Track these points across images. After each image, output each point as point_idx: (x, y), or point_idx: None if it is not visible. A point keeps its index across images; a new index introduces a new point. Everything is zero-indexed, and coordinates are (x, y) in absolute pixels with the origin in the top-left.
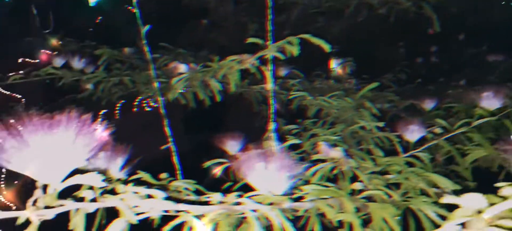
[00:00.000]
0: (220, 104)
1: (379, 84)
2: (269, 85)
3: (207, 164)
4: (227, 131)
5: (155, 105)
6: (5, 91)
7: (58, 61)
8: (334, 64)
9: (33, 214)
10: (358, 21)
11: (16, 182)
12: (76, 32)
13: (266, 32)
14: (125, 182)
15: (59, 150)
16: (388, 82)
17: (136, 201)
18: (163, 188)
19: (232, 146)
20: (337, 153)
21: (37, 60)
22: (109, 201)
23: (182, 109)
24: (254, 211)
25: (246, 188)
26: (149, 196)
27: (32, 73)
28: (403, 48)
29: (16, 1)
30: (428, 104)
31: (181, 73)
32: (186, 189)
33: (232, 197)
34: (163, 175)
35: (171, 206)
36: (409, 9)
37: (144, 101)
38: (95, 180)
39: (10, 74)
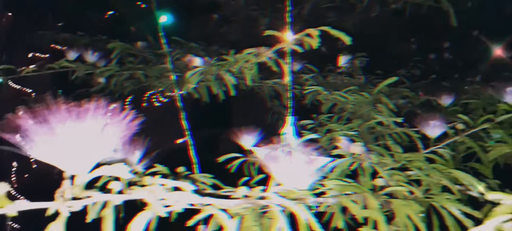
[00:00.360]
0: (231, 99)
1: (397, 79)
2: (287, 78)
3: (222, 158)
4: (238, 125)
5: (165, 100)
6: (15, 85)
7: (72, 55)
8: (346, 59)
9: (62, 205)
10: (370, 16)
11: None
12: (87, 26)
13: (284, 25)
14: (144, 175)
15: (85, 140)
16: (402, 77)
17: (163, 194)
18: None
19: (246, 140)
20: (357, 148)
21: (48, 55)
22: (136, 193)
23: (191, 104)
24: (280, 206)
25: (263, 183)
26: (176, 189)
27: (45, 66)
28: (416, 43)
29: None
30: (445, 100)
31: (196, 67)
32: (203, 183)
33: (256, 191)
34: (181, 169)
35: (198, 200)
36: (424, 3)
37: (156, 96)
38: (122, 171)
39: (21, 68)
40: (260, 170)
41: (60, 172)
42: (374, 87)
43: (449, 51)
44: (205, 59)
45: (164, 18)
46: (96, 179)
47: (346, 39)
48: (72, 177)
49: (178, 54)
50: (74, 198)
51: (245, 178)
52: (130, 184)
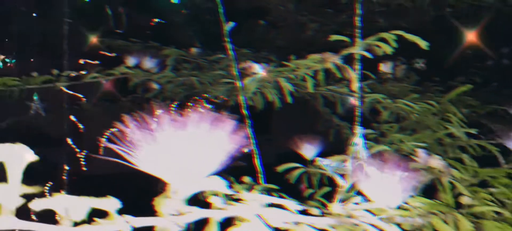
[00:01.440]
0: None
1: (471, 87)
2: (355, 86)
3: (283, 167)
4: (289, 132)
5: (209, 106)
6: (68, 91)
7: (130, 61)
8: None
9: (170, 221)
10: (425, 19)
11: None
12: (135, 32)
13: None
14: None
15: (190, 151)
16: (460, 85)
17: (261, 210)
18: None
19: (305, 149)
20: (436, 161)
21: (98, 61)
22: (236, 209)
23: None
24: (373, 226)
25: (328, 197)
26: (273, 205)
27: (105, 72)
28: (474, 48)
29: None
30: None
31: (254, 73)
32: (270, 194)
33: (348, 208)
34: (246, 179)
35: (291, 217)
36: (489, 5)
37: (210, 102)
38: (220, 185)
39: (82, 74)
40: (322, 182)
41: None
42: (433, 95)
43: (508, 57)
44: (262, 65)
45: (229, 25)
46: None
47: (423, 44)
48: (174, 191)
49: (230, 60)
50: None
51: (310, 191)
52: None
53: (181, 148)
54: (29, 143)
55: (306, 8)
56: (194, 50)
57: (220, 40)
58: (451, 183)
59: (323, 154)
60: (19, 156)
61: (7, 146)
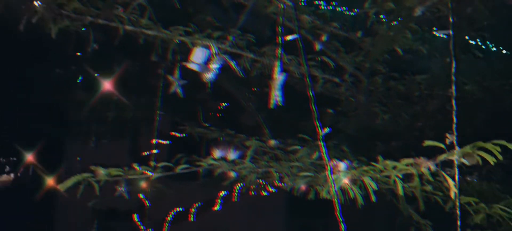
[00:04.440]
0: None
1: None
2: (454, 193)
3: None
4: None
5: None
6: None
7: (217, 153)
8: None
9: None
10: (503, 109)
11: None
12: (209, 117)
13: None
14: None
15: None
16: None
17: None
18: None
19: None
20: None
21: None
22: None
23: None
24: None
25: None
26: None
27: (194, 162)
28: None
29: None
30: None
31: (340, 171)
32: None
33: None
34: None
35: None
36: None
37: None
38: None
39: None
40: None
41: None
42: None
43: None
44: (347, 163)
45: (325, 131)
46: None
47: None
48: None
49: (301, 151)
50: None
51: None
52: None
53: None
54: (103, 218)
55: (377, 98)
56: (272, 142)
57: (286, 128)
58: None
59: None
60: None
61: None
